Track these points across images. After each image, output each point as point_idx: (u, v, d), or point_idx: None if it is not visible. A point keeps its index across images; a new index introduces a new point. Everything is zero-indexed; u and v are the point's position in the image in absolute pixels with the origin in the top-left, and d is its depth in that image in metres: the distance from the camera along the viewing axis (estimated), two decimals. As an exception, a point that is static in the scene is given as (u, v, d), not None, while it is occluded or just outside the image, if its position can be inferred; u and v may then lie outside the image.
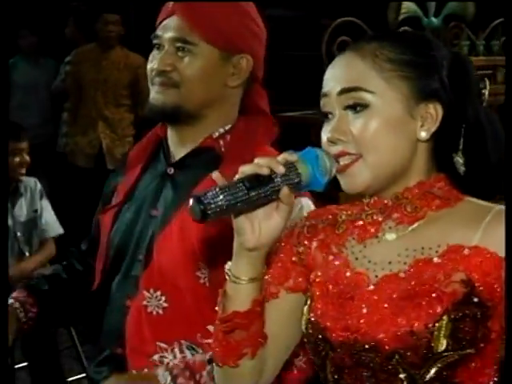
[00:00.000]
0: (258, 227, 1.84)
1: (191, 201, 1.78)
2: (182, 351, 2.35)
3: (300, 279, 1.98)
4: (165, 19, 2.42)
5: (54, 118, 8.00)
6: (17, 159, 5.28)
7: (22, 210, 5.37)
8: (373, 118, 1.84)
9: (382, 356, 1.81)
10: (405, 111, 1.85)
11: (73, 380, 5.39)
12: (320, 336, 1.90)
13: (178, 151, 2.45)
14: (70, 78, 7.52)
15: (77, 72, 7.39)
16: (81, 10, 8.00)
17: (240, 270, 1.88)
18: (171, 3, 2.42)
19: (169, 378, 2.28)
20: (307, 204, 2.34)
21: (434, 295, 1.79)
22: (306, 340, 1.96)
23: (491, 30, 5.75)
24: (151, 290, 2.34)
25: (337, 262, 1.93)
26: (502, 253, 1.78)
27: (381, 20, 5.05)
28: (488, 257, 1.80)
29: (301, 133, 4.54)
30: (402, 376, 1.81)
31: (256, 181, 1.78)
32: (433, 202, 1.89)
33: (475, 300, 1.79)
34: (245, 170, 1.79)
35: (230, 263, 1.92)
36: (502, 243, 1.79)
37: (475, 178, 1.90)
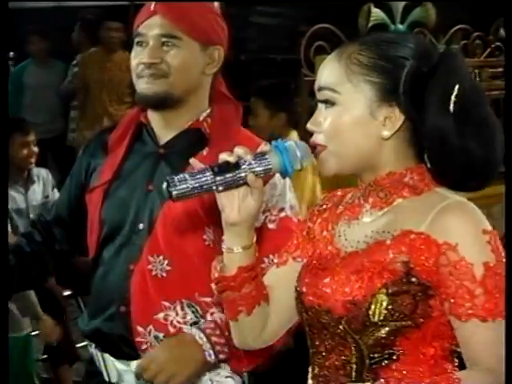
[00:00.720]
0: (236, 206, 1.90)
1: (164, 183, 1.87)
2: (182, 309, 2.40)
3: (305, 249, 2.03)
4: (147, 19, 2.44)
5: (62, 115, 8.02)
6: (25, 151, 5.32)
7: (35, 195, 5.43)
8: (338, 114, 1.86)
9: (334, 320, 1.85)
10: (367, 112, 1.85)
11: (81, 346, 5.33)
12: (299, 300, 1.96)
13: (163, 134, 2.49)
14: (77, 78, 7.61)
15: (83, 73, 7.51)
16: (86, 18, 8.05)
17: (231, 241, 1.94)
18: (152, 5, 2.43)
19: (205, 338, 2.34)
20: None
21: (376, 270, 1.82)
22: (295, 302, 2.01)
23: (451, 35, 5.93)
24: (155, 256, 2.38)
25: (326, 238, 1.98)
26: (441, 240, 1.79)
27: (353, 26, 5.21)
28: (428, 243, 1.81)
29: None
30: (349, 340, 1.85)
31: (224, 167, 1.85)
32: (402, 190, 1.89)
33: (413, 280, 1.80)
34: (220, 157, 1.87)
35: (223, 237, 1.99)
36: (444, 232, 1.79)
37: (438, 173, 1.89)
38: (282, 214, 2.34)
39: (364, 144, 1.86)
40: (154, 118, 2.52)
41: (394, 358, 1.83)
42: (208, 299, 2.35)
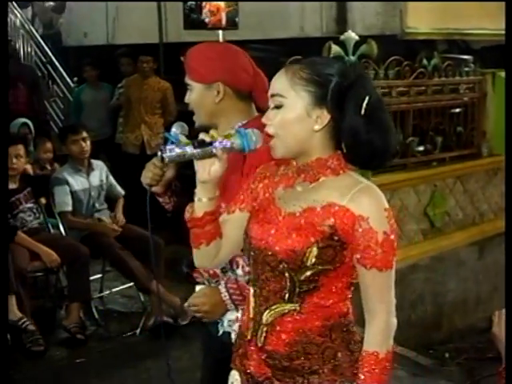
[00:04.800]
0: (207, 169, 1.92)
1: (158, 151, 1.91)
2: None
3: (248, 204, 2.05)
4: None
5: (109, 122, 7.92)
6: (76, 147, 5.44)
7: (94, 178, 5.54)
8: (284, 113, 1.89)
9: (276, 261, 1.90)
10: (304, 112, 1.88)
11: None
12: (248, 241, 1.99)
13: None
14: (122, 97, 7.63)
15: (127, 93, 7.51)
16: (126, 54, 8.10)
17: (201, 193, 1.97)
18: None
19: (227, 294, 2.37)
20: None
21: (310, 230, 1.87)
22: (243, 241, 2.04)
23: (388, 64, 5.99)
24: None
25: (268, 199, 2.01)
26: (357, 213, 1.84)
27: (318, 58, 5.41)
28: (348, 214, 1.86)
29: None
30: (286, 275, 1.90)
31: (202, 143, 1.90)
32: (326, 171, 1.92)
33: (336, 238, 1.86)
34: (200, 136, 1.92)
35: (196, 190, 1.99)
36: (359, 207, 1.85)
37: (351, 156, 1.91)
38: None
39: (301, 135, 1.90)
40: None
41: (316, 288, 1.90)
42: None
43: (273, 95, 1.92)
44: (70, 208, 5.43)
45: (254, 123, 2.31)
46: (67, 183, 5.43)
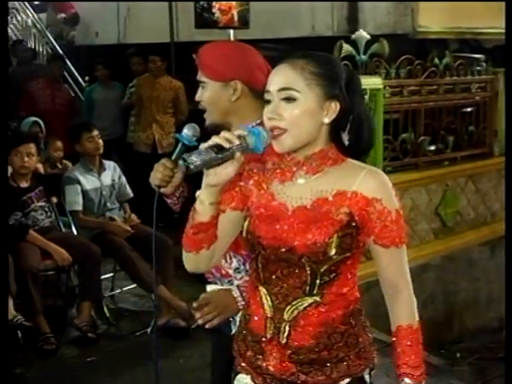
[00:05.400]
0: (218, 173, 1.87)
1: (180, 160, 1.90)
2: (230, 258, 2.36)
3: (240, 202, 2.01)
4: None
5: (121, 121, 7.91)
6: (91, 144, 5.46)
7: (105, 178, 5.54)
8: (297, 107, 1.89)
9: (296, 256, 1.90)
10: (317, 105, 1.89)
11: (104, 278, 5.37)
12: (256, 241, 1.97)
13: None
14: (134, 96, 7.63)
15: (139, 92, 7.53)
16: (137, 53, 8.08)
17: (205, 197, 1.92)
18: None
19: (240, 296, 2.31)
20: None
21: (329, 221, 1.89)
22: (246, 242, 2.02)
23: (399, 63, 5.96)
24: None
25: (266, 195, 1.99)
26: (370, 196, 1.89)
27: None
28: (361, 198, 1.90)
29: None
30: (307, 268, 1.91)
31: (221, 148, 1.83)
32: (328, 161, 1.94)
33: (353, 224, 1.90)
34: (214, 140, 1.84)
35: (198, 192, 1.97)
36: (371, 190, 1.90)
37: (354, 147, 1.96)
38: None
39: (312, 128, 1.92)
40: None
41: (336, 278, 1.94)
42: (245, 252, 2.28)
43: (283, 89, 1.90)
44: (80, 207, 5.44)
45: None
46: (78, 182, 5.44)
